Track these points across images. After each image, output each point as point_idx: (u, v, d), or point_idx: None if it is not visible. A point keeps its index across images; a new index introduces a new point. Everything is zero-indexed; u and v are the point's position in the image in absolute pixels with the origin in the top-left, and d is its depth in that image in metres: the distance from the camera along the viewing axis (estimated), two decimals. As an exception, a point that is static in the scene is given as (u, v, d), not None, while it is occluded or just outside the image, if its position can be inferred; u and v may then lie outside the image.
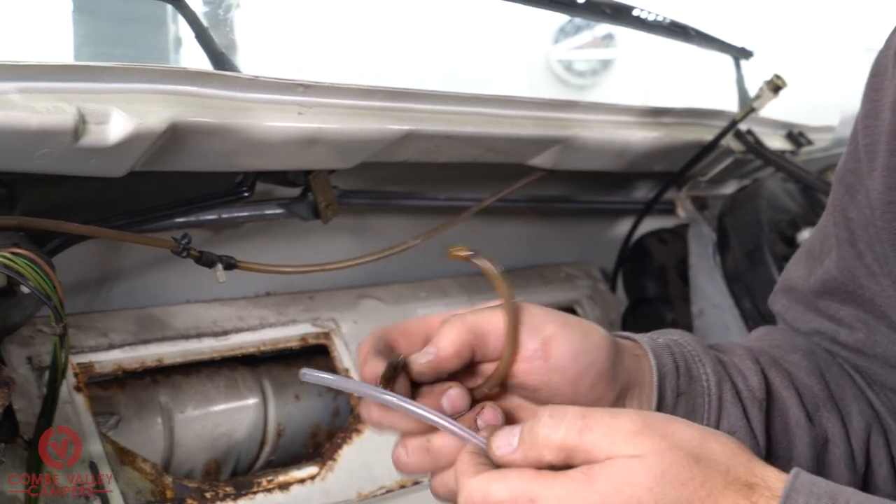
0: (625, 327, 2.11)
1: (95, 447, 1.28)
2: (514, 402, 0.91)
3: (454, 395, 0.85)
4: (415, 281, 1.84)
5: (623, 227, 2.16)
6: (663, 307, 2.09)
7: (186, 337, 1.46)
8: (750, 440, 0.97)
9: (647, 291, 2.12)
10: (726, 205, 2.01)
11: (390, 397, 0.83)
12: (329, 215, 1.56)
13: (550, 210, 2.05)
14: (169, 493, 1.35)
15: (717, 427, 0.95)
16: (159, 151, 1.19)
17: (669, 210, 2.12)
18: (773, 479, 0.73)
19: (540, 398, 0.88)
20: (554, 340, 0.86)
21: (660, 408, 0.92)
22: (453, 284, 1.88)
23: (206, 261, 1.32)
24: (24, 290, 1.09)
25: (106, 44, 1.98)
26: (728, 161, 2.01)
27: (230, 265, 1.35)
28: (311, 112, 1.31)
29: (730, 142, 1.95)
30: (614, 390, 0.90)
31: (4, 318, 1.13)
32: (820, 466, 1.03)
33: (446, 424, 0.81)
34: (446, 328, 0.86)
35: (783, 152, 2.06)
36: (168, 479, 1.35)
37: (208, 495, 1.38)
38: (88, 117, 1.08)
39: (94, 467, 1.14)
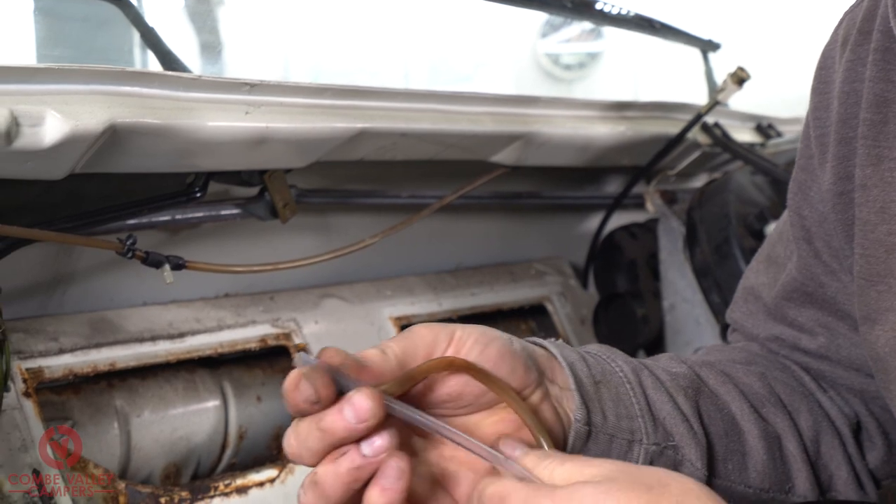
0: (596, 323, 2.09)
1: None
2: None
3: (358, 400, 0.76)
4: (380, 279, 1.82)
5: (593, 222, 2.15)
6: (634, 302, 2.07)
7: (140, 340, 1.45)
8: (683, 425, 0.95)
9: (617, 287, 2.11)
10: (695, 199, 1.99)
11: (416, 415, 0.77)
12: (287, 215, 1.54)
13: (519, 206, 2.04)
14: (122, 500, 1.33)
15: (651, 414, 0.94)
16: (100, 153, 1.17)
17: (640, 205, 2.10)
18: None
19: (465, 407, 0.85)
20: (461, 340, 0.83)
21: (581, 392, 0.90)
22: (420, 282, 1.86)
23: (153, 261, 1.31)
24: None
25: (70, 46, 1.95)
26: (696, 154, 1.99)
27: (178, 265, 1.34)
28: (258, 111, 1.30)
29: (697, 135, 1.93)
30: (533, 372, 0.87)
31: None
32: (775, 462, 1.02)
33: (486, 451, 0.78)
34: (376, 352, 0.80)
35: (752, 145, 2.04)
36: (121, 485, 1.34)
37: (163, 500, 1.36)
38: (21, 119, 1.06)
39: (37, 473, 1.12)
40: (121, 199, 1.36)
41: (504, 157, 1.70)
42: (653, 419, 0.94)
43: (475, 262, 2.00)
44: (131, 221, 1.40)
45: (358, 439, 0.74)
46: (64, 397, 1.40)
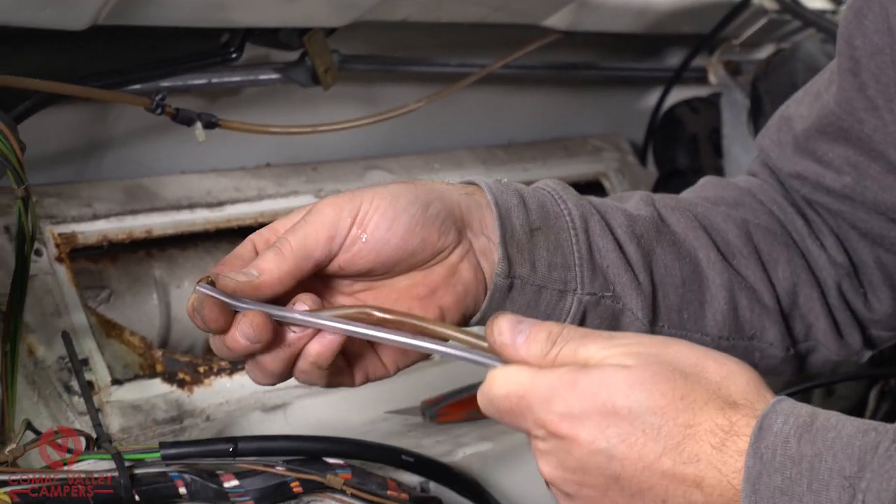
0: (655, 201, 2.02)
1: (78, 319, 1.23)
2: (355, 287, 0.88)
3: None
4: (428, 152, 1.76)
5: (653, 96, 2.06)
6: (695, 179, 1.97)
7: (178, 207, 1.40)
8: (626, 274, 0.92)
9: (678, 163, 2.02)
10: (760, 69, 1.89)
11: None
12: (329, 81, 1.48)
13: (574, 78, 1.95)
14: (159, 368, 1.30)
15: (591, 262, 0.91)
16: (124, 2, 1.12)
17: (701, 79, 2.01)
18: (763, 403, 0.70)
19: (378, 276, 0.87)
20: (366, 217, 0.83)
21: (507, 244, 0.87)
22: (470, 155, 1.79)
23: (184, 118, 1.25)
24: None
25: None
26: (762, 22, 1.90)
27: (211, 123, 1.28)
28: (291, -39, 1.23)
29: (763, 0, 1.84)
30: (450, 235, 0.86)
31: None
32: (737, 310, 0.99)
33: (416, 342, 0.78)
34: (271, 256, 0.81)
35: (822, 12, 1.93)
36: (158, 353, 1.31)
37: (201, 370, 1.33)
38: (36, -40, 1.01)
39: (66, 336, 1.08)
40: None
41: (557, 20, 1.62)
42: (592, 268, 0.91)
43: (528, 136, 1.93)
44: (165, 83, 1.34)
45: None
46: (101, 266, 1.37)
